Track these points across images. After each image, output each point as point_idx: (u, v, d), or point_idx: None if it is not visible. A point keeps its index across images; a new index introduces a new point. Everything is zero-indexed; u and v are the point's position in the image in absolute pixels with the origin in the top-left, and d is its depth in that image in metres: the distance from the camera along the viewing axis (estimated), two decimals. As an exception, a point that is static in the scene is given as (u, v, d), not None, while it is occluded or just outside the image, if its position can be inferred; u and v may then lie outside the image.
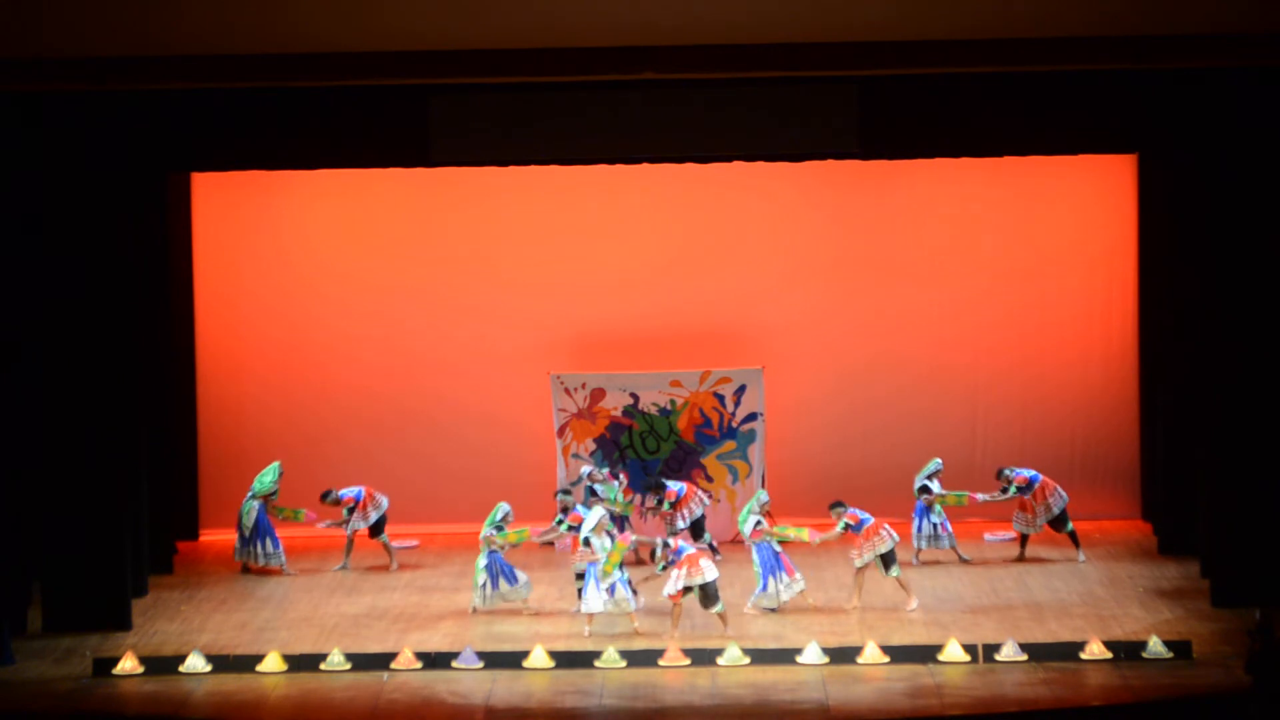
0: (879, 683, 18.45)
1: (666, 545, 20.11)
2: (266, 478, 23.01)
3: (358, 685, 18.65)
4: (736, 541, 23.70)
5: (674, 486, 22.90)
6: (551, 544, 22.99)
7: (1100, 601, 20.98)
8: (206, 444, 24.49)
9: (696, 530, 22.81)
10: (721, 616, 19.88)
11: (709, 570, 19.75)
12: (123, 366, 20.70)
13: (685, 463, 23.88)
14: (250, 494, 22.95)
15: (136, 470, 21.13)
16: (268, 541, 22.84)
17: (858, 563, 20.82)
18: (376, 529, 22.92)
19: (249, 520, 22.83)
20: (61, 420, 20.36)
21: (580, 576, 20.62)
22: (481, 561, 20.76)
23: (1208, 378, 20.93)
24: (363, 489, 22.97)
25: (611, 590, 19.98)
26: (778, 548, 20.94)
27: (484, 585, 20.70)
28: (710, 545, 22.85)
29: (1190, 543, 22.04)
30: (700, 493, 23.11)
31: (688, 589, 19.72)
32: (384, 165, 21.68)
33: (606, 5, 18.79)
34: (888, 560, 20.69)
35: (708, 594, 19.78)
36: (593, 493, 22.41)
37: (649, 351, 24.34)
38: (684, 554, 19.90)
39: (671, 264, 24.49)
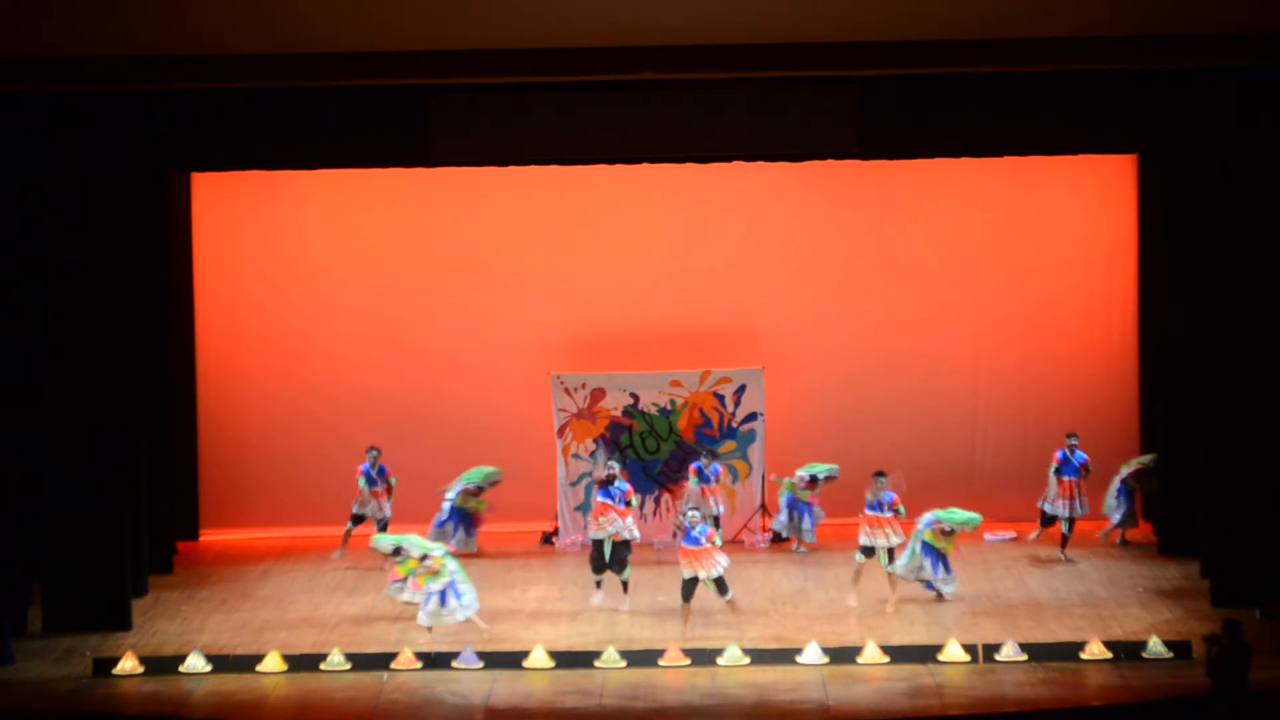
0: (879, 683, 18.46)
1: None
2: (476, 474, 23.13)
3: (358, 685, 18.65)
4: (736, 542, 23.75)
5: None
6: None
7: (1100, 601, 20.98)
8: (206, 444, 24.48)
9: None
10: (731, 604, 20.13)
11: (705, 566, 19.90)
12: (123, 367, 20.70)
13: (685, 463, 23.85)
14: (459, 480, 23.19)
15: (136, 471, 21.12)
16: (461, 529, 22.95)
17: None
18: (382, 527, 22.95)
19: (445, 506, 23.12)
20: (62, 421, 20.36)
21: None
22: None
23: (1208, 378, 20.93)
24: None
25: (442, 599, 19.90)
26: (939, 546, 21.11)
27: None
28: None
29: (1190, 543, 22.05)
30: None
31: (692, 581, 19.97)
32: (384, 165, 21.68)
33: (606, 5, 18.78)
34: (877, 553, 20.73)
35: (718, 585, 20.09)
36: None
37: (649, 351, 24.33)
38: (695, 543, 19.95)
39: (671, 264, 24.48)
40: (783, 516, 23.42)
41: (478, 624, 20.01)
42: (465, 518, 23.12)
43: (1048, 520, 22.92)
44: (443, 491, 23.27)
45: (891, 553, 20.78)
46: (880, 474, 21.12)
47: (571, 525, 23.59)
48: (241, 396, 24.50)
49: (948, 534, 20.99)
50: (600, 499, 21.22)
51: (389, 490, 22.98)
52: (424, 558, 20.08)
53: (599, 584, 21.09)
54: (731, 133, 20.51)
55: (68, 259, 20.35)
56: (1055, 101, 20.21)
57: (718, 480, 23.00)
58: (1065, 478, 22.75)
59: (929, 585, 21.03)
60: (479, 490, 23.15)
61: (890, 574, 20.74)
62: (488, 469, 23.38)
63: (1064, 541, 22.76)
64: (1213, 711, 16.28)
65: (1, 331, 20.45)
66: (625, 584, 21.00)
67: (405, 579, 20.27)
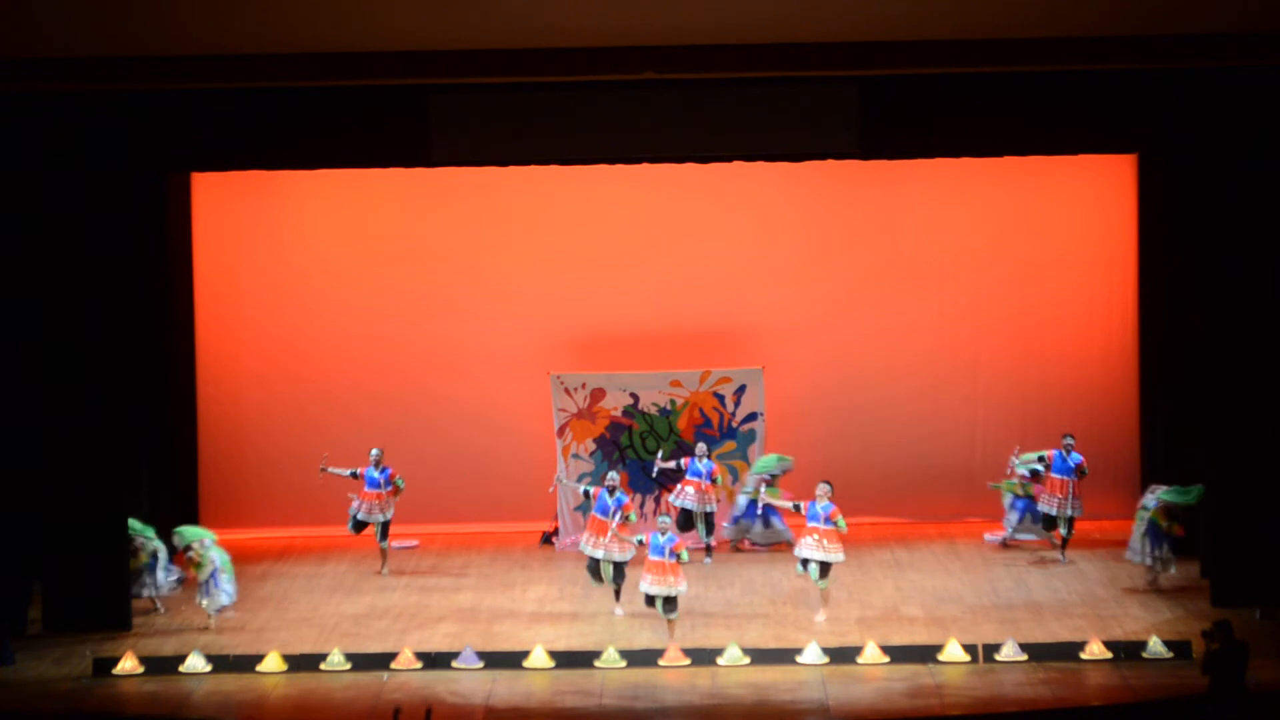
0: (879, 683, 18.46)
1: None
2: (770, 461, 23.11)
3: (358, 685, 18.65)
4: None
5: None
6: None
7: (1100, 601, 20.98)
8: (206, 444, 24.47)
9: (686, 522, 22.86)
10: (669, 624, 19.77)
11: (664, 582, 19.67)
12: (123, 367, 20.70)
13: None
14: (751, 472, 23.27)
15: (136, 470, 21.13)
16: (759, 521, 23.03)
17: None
18: (383, 531, 22.78)
19: (740, 500, 23.19)
20: (61, 420, 20.35)
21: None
22: None
23: (1207, 378, 20.93)
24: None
25: (205, 590, 20.33)
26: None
27: None
28: (706, 546, 22.86)
29: (1190, 543, 22.02)
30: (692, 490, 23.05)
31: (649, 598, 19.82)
32: (384, 165, 21.68)
33: (606, 5, 18.78)
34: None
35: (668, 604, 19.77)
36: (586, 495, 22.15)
37: (649, 351, 24.32)
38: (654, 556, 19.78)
39: (672, 263, 24.47)
40: (1012, 518, 23.21)
41: (213, 618, 20.28)
42: (767, 508, 22.93)
43: (1049, 522, 22.82)
44: (736, 487, 23.35)
45: (825, 566, 20.36)
46: (825, 484, 20.80)
47: (571, 525, 23.57)
48: (241, 396, 24.49)
49: (1173, 516, 21.13)
50: (596, 514, 21.07)
51: (396, 492, 22.73)
52: (187, 549, 20.40)
53: (617, 594, 20.86)
54: (732, 133, 20.53)
55: (68, 259, 20.34)
56: (1055, 101, 20.21)
57: (711, 479, 22.91)
58: (1057, 476, 22.71)
59: (1150, 566, 21.25)
60: (773, 479, 22.94)
61: (823, 590, 20.43)
62: (777, 456, 23.19)
63: (1063, 543, 22.72)
64: (1210, 710, 16.29)
65: (1, 331, 20.44)
66: (618, 591, 20.91)
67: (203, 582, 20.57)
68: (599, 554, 20.82)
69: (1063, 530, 22.70)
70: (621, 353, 24.33)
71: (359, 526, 22.78)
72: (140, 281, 21.63)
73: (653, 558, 19.72)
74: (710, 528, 22.94)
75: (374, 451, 22.78)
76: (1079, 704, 17.76)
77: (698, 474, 22.89)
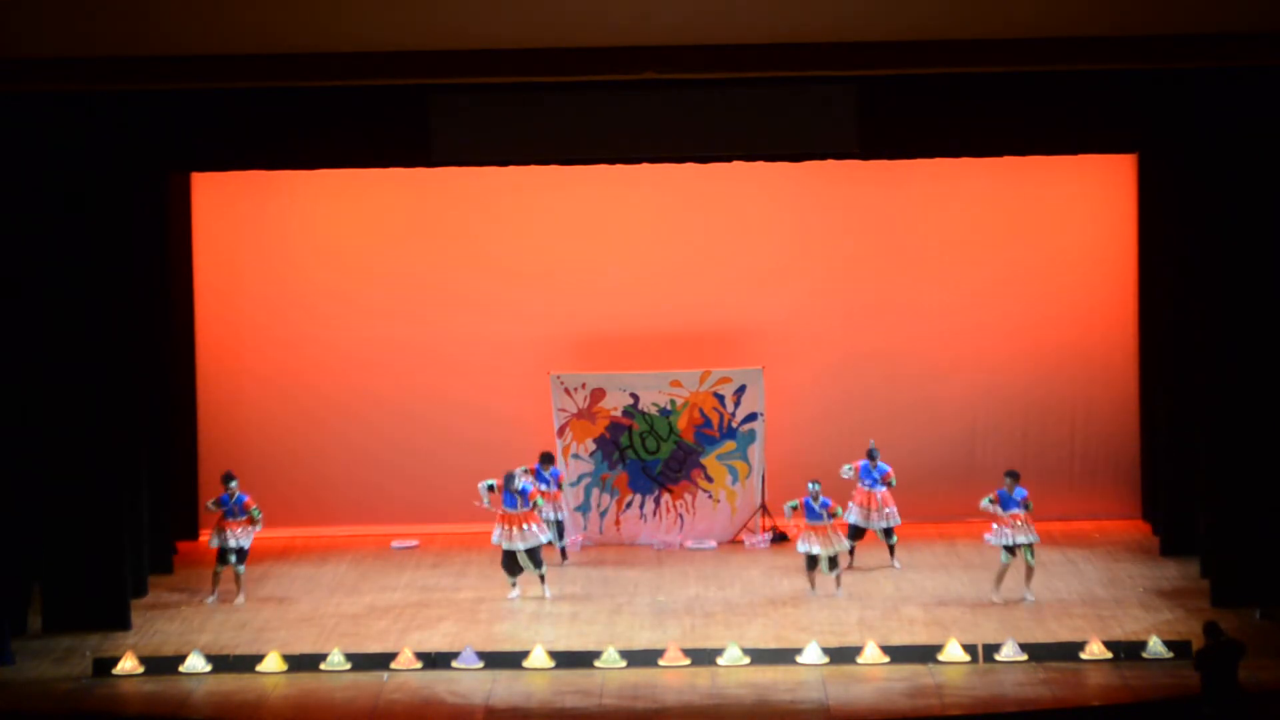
0: (879, 683, 18.46)
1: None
2: None
3: (358, 685, 18.66)
4: (736, 542, 23.73)
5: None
6: None
7: (1100, 601, 20.98)
8: (206, 444, 24.46)
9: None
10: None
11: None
12: (122, 367, 20.70)
13: (685, 463, 23.87)
14: None
15: (136, 470, 21.13)
16: None
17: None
18: (241, 555, 21.54)
19: None
20: (62, 420, 20.36)
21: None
22: None
23: (1207, 378, 20.93)
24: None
25: None
26: None
27: None
28: (562, 549, 23.04)
29: (1190, 543, 22.04)
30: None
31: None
32: (384, 165, 21.69)
33: (606, 5, 18.79)
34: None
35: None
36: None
37: (649, 351, 24.32)
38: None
39: (671, 264, 24.47)
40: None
41: None
42: None
43: (855, 532, 22.38)
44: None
45: (1032, 549, 20.82)
46: (1012, 473, 21.06)
47: (572, 525, 23.58)
48: (241, 396, 24.49)
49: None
50: (506, 508, 21.30)
51: (250, 521, 21.60)
52: None
53: (514, 584, 21.36)
54: (731, 133, 20.54)
55: (68, 259, 20.34)
56: (1055, 101, 20.22)
57: (558, 485, 22.92)
58: (864, 486, 22.49)
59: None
60: None
61: (1029, 568, 20.79)
62: None
63: (890, 551, 22.57)
64: (1205, 710, 16.31)
65: (1, 331, 20.45)
66: (543, 577, 21.37)
67: None
68: (517, 546, 21.23)
69: (883, 539, 22.50)
70: (621, 353, 24.33)
71: (222, 555, 21.50)
72: (140, 281, 21.62)
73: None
74: (559, 534, 22.94)
75: (229, 481, 21.64)
76: (1079, 704, 17.77)
77: (544, 480, 22.61)
